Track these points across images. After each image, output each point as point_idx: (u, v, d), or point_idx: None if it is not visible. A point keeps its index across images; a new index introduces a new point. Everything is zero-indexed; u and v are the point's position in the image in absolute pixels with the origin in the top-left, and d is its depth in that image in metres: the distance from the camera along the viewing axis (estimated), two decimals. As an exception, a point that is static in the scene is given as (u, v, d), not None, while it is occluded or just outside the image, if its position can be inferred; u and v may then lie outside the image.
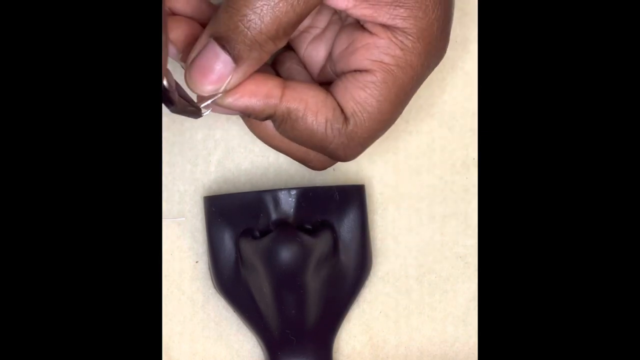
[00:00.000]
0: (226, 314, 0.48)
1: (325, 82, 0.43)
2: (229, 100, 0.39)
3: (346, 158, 0.42)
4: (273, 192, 0.46)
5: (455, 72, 0.49)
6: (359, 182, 0.49)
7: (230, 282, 0.46)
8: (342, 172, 0.49)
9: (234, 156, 0.48)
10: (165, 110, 0.37)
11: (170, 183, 0.48)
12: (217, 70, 0.38)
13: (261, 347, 0.47)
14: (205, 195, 0.48)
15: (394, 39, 0.40)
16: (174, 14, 0.41)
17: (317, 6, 0.38)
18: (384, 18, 0.39)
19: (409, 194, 0.49)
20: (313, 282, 0.45)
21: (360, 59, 0.40)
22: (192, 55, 0.39)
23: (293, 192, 0.46)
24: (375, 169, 0.49)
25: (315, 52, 0.44)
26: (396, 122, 0.42)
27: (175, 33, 0.40)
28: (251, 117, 0.41)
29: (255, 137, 0.43)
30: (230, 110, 0.40)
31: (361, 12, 0.39)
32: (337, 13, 0.43)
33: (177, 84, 0.37)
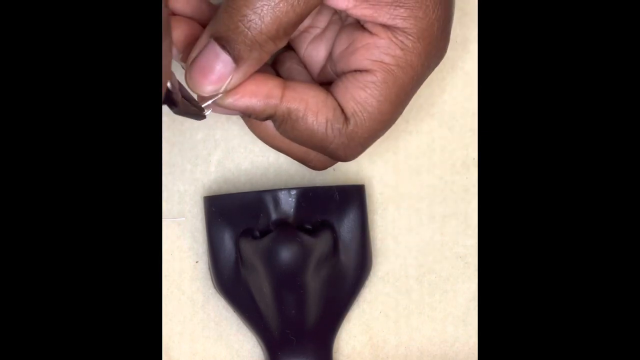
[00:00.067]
0: (226, 314, 0.48)
1: (326, 82, 0.43)
2: (230, 100, 0.39)
3: (346, 158, 0.42)
4: (273, 192, 0.46)
5: (455, 72, 0.49)
6: (359, 182, 0.49)
7: (230, 282, 0.46)
8: (342, 172, 0.49)
9: (234, 156, 0.48)
10: (165, 110, 0.37)
11: (170, 183, 0.48)
12: (217, 71, 0.38)
13: (261, 347, 0.47)
14: (205, 195, 0.48)
15: (394, 39, 0.40)
16: (174, 14, 0.41)
17: (317, 6, 0.38)
18: (384, 18, 0.39)
19: (409, 194, 0.49)
20: (313, 282, 0.45)
21: (361, 59, 0.40)
22: (193, 55, 0.39)
23: (293, 192, 0.46)
24: (375, 169, 0.49)
25: (316, 52, 0.44)
26: (396, 122, 0.42)
27: (175, 33, 0.40)
28: (251, 117, 0.41)
29: (255, 137, 0.43)
30: (231, 110, 0.40)
31: (361, 12, 0.39)
32: (337, 13, 0.43)
33: (180, 85, 0.37)
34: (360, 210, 0.47)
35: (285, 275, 0.44)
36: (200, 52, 0.38)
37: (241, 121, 0.45)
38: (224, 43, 0.38)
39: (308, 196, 0.46)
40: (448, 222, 0.49)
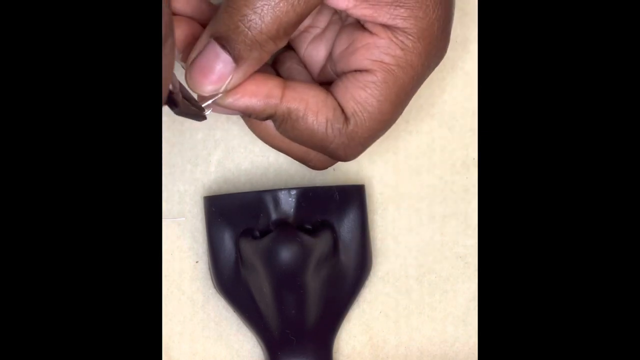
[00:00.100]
0: (226, 314, 0.48)
1: (326, 82, 0.43)
2: (230, 100, 0.39)
3: (346, 158, 0.42)
4: (273, 192, 0.46)
5: (455, 72, 0.49)
6: (359, 182, 0.49)
7: (230, 282, 0.46)
8: (342, 172, 0.49)
9: (234, 156, 0.48)
10: (165, 110, 0.37)
11: (170, 183, 0.48)
12: (217, 70, 0.38)
13: (261, 347, 0.47)
14: (205, 195, 0.48)
15: (394, 39, 0.40)
16: (174, 14, 0.41)
17: (317, 6, 0.38)
18: (385, 18, 0.39)
19: (409, 194, 0.49)
20: (313, 282, 0.45)
21: (361, 59, 0.40)
22: (193, 55, 0.39)
23: (293, 192, 0.46)
24: (375, 169, 0.49)
25: (316, 52, 0.44)
26: (396, 122, 0.42)
27: (175, 33, 0.40)
28: (252, 117, 0.41)
29: (255, 137, 0.43)
30: (231, 110, 0.40)
31: (361, 12, 0.39)
32: (337, 13, 0.43)
33: (180, 85, 0.37)
34: (360, 210, 0.47)
35: (285, 275, 0.44)
36: (201, 52, 0.38)
37: (241, 121, 0.45)
38: (224, 43, 0.38)
39: (308, 196, 0.46)
40: (448, 222, 0.49)
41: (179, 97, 0.36)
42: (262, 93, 0.40)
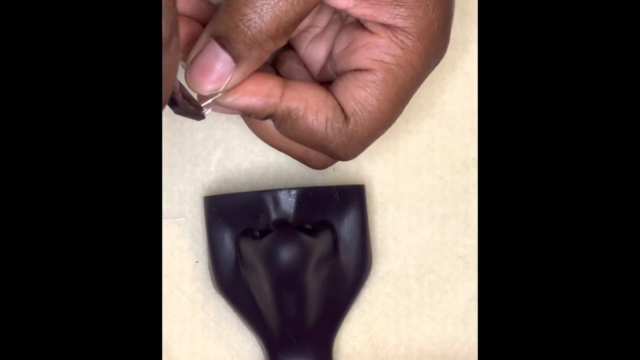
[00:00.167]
0: (226, 314, 0.48)
1: (326, 81, 0.43)
2: (229, 99, 0.39)
3: (346, 157, 0.42)
4: (273, 192, 0.46)
5: (455, 72, 0.49)
6: (359, 182, 0.49)
7: (230, 282, 0.46)
8: (342, 172, 0.49)
9: (234, 156, 0.48)
10: (165, 110, 0.37)
11: (170, 183, 0.48)
12: (217, 70, 0.38)
13: (261, 347, 0.47)
14: (205, 195, 0.48)
15: (394, 38, 0.40)
16: (174, 13, 0.41)
17: (317, 5, 0.38)
18: (384, 17, 0.39)
19: (409, 194, 0.49)
20: (313, 282, 0.45)
21: (361, 58, 0.40)
22: (193, 54, 0.39)
23: (293, 192, 0.46)
24: (375, 169, 0.49)
25: (316, 52, 0.44)
26: (396, 122, 0.42)
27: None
28: (251, 117, 0.41)
29: (255, 136, 0.43)
30: (231, 109, 0.40)
31: (361, 11, 0.39)
32: (337, 12, 0.43)
33: (180, 84, 0.37)
34: (360, 210, 0.47)
35: (285, 275, 0.44)
36: (200, 51, 0.38)
37: (241, 121, 0.45)
38: (224, 42, 0.38)
39: (308, 196, 0.46)
40: (448, 222, 0.49)
41: (178, 97, 0.36)
42: (262, 92, 0.40)
